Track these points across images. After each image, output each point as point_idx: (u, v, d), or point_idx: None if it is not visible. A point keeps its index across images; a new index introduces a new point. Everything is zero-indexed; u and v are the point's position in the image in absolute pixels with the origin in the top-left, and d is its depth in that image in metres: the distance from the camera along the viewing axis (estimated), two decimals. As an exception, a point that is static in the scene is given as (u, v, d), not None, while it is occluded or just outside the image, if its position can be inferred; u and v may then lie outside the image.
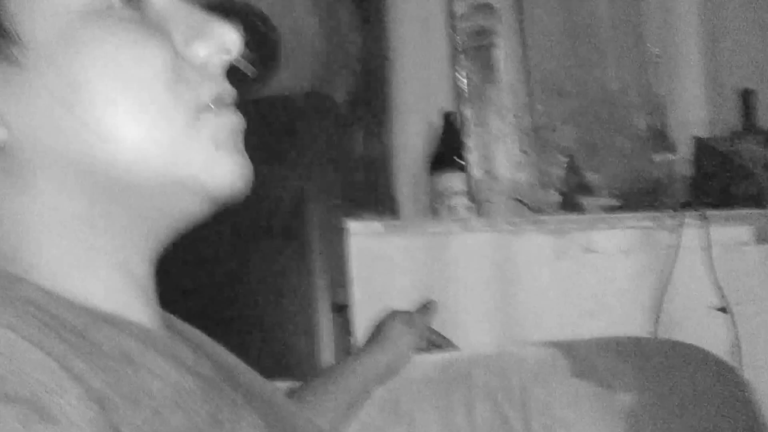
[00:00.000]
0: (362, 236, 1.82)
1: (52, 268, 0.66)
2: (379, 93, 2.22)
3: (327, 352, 1.52)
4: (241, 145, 0.71)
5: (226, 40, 0.71)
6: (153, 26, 0.69)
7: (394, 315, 1.40)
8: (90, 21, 0.66)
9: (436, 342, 1.47)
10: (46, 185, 0.67)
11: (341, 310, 1.57)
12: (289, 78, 2.05)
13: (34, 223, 0.67)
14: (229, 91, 0.72)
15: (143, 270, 0.72)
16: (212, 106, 0.70)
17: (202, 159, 0.69)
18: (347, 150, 2.02)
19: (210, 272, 1.56)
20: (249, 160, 0.71)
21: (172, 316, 0.80)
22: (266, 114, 1.93)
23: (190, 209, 0.71)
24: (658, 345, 1.59)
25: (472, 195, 2.02)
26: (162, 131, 0.68)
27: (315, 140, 1.77)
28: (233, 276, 1.58)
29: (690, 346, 1.48)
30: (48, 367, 0.54)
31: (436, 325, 1.47)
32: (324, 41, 2.14)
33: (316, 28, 2.14)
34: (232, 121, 0.71)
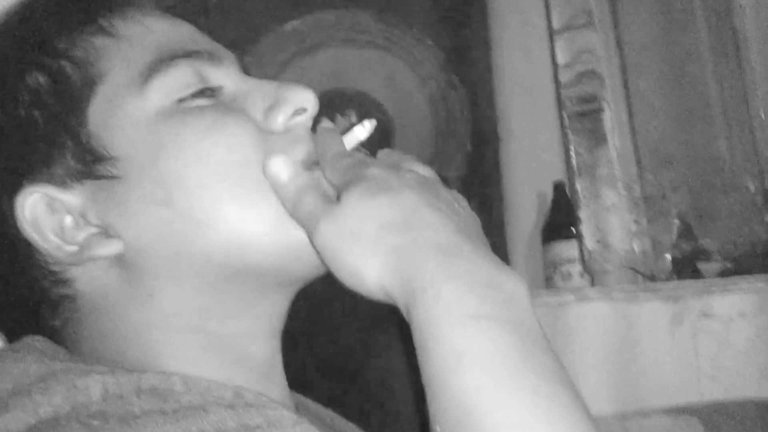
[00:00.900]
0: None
1: (181, 369, 0.64)
2: (491, 168, 2.27)
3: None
4: None
5: (299, 100, 0.71)
6: (228, 108, 0.70)
7: None
8: (166, 119, 0.68)
9: None
10: (165, 289, 0.68)
11: None
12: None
13: (158, 331, 0.68)
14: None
15: (268, 350, 0.73)
16: (307, 167, 0.69)
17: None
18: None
19: (338, 346, 1.63)
20: None
21: (302, 396, 0.81)
22: None
23: (305, 275, 0.70)
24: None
25: (585, 264, 2.06)
26: (264, 204, 0.67)
27: None
28: (366, 352, 1.64)
29: None
30: None
31: None
32: (435, 124, 2.22)
33: (427, 112, 2.23)
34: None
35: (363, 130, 0.74)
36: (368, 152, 0.74)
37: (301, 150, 0.70)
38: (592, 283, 2.03)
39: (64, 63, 0.69)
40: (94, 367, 0.61)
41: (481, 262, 0.60)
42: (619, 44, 2.28)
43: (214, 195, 0.67)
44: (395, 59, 2.26)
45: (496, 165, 2.27)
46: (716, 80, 2.18)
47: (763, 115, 2.11)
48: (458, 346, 0.56)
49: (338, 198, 0.65)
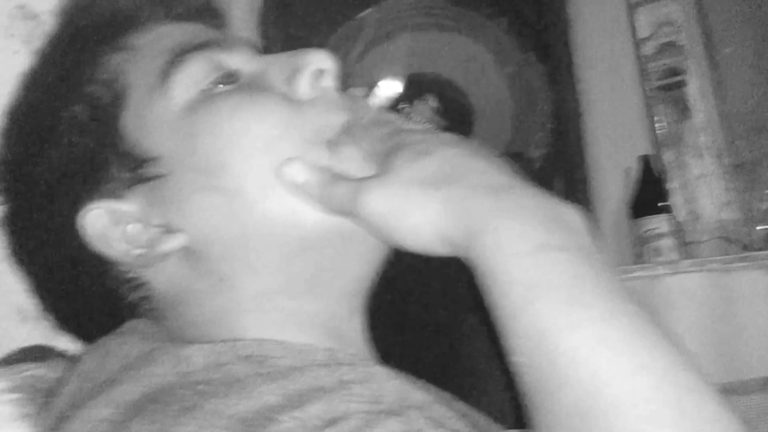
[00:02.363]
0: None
1: None
2: (574, 145, 2.25)
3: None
4: None
5: (314, 62, 0.70)
6: (251, 87, 0.71)
7: None
8: (194, 110, 0.69)
9: None
10: (237, 272, 0.69)
11: None
12: (484, 142, 2.13)
13: (240, 313, 0.69)
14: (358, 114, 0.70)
15: (352, 325, 0.73)
16: (344, 131, 0.69)
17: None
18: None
19: (435, 326, 1.63)
20: None
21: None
22: None
23: (372, 247, 0.69)
24: None
25: (677, 237, 2.02)
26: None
27: None
28: (459, 331, 1.65)
29: None
30: None
31: None
32: (515, 104, 2.21)
33: (506, 92, 2.21)
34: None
35: (386, 90, 0.75)
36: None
37: (336, 117, 0.69)
38: (685, 255, 1.99)
39: (95, 88, 0.72)
40: (193, 343, 0.62)
41: (534, 195, 0.60)
42: (702, 13, 2.23)
43: (257, 171, 0.67)
44: (472, 41, 2.25)
45: (579, 141, 2.25)
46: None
47: None
48: (531, 277, 0.55)
49: (379, 166, 0.65)
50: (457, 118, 2.10)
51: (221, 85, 0.71)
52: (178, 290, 0.71)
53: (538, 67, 2.25)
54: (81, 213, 0.71)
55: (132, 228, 0.70)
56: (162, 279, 0.72)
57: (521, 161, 2.11)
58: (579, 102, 2.26)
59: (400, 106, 2.10)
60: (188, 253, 0.70)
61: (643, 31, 2.29)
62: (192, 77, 0.70)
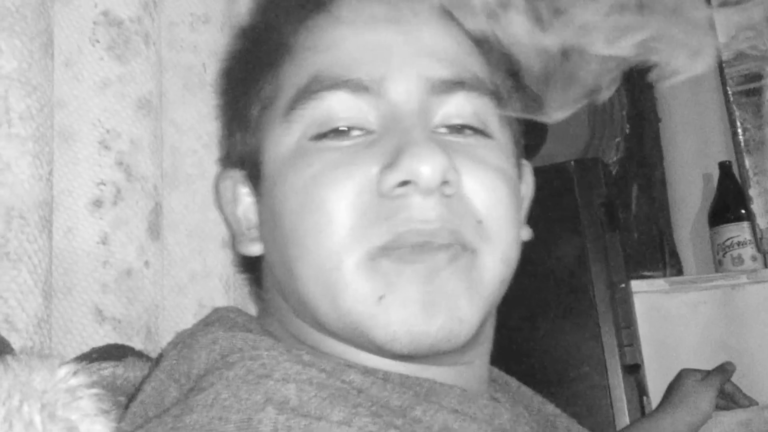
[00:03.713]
0: (647, 294, 1.83)
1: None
2: (651, 150, 2.22)
3: (621, 414, 1.53)
4: (430, 294, 0.63)
5: (414, 170, 0.63)
6: (347, 157, 0.66)
7: (689, 374, 1.40)
8: (296, 156, 0.68)
9: (735, 399, 1.44)
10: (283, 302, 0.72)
11: (633, 370, 1.58)
12: (560, 147, 2.11)
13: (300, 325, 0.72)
14: (424, 228, 0.64)
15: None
16: (390, 250, 0.64)
17: (362, 309, 0.64)
18: (624, 210, 2.03)
19: (502, 335, 1.63)
20: (440, 311, 0.63)
21: (501, 372, 0.83)
22: (540, 183, 1.99)
23: (374, 349, 0.66)
24: None
25: (758, 245, 1.97)
26: (328, 271, 0.64)
27: (590, 203, 1.80)
28: (525, 339, 1.64)
29: None
30: None
31: (734, 384, 1.45)
32: (590, 110, 2.18)
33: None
34: (416, 268, 0.63)
35: None
36: None
37: (392, 228, 0.64)
38: (766, 265, 1.94)
39: (269, 86, 0.74)
40: (268, 343, 0.64)
41: None
42: None
43: (296, 246, 0.66)
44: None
45: (657, 147, 2.21)
46: None
47: None
48: None
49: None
50: (531, 122, 2.09)
51: (331, 140, 0.68)
52: (271, 291, 0.74)
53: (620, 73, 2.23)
54: (221, 173, 0.79)
55: (241, 211, 0.76)
56: (266, 271, 0.76)
57: (598, 166, 2.09)
58: (657, 107, 2.23)
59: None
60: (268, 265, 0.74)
61: (723, 35, 2.24)
62: (311, 121, 0.68)
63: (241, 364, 0.59)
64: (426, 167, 0.62)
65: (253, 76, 0.74)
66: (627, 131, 2.21)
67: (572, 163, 1.85)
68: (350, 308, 0.64)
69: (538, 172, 1.94)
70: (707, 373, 1.40)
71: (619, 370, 1.54)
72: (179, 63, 0.92)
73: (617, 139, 2.23)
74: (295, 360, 0.59)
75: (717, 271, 1.98)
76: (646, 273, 1.91)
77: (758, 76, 2.18)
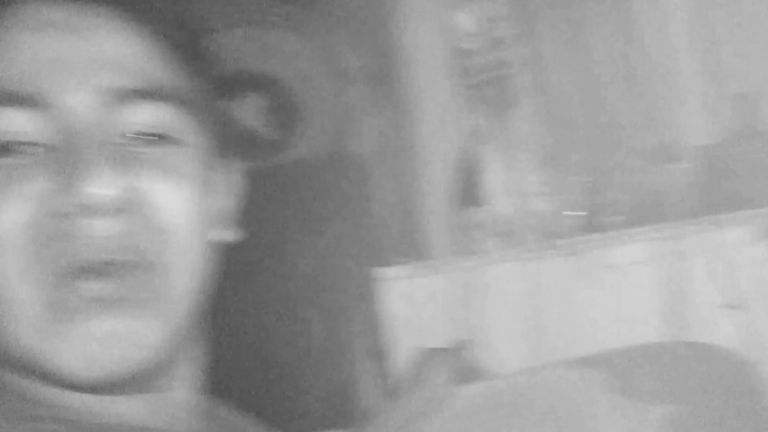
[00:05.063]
0: (394, 281, 1.93)
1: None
2: (401, 140, 2.31)
3: (366, 398, 1.60)
4: (108, 318, 0.61)
5: (86, 192, 0.61)
6: (28, 172, 0.62)
7: (428, 354, 1.48)
8: None
9: (473, 374, 1.54)
10: None
11: (377, 355, 1.66)
12: (312, 139, 2.16)
13: None
14: (103, 247, 0.62)
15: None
16: (68, 273, 0.61)
17: (37, 338, 0.61)
18: (374, 199, 2.11)
19: (249, 326, 1.65)
20: (119, 336, 0.61)
21: (217, 403, 0.79)
22: (293, 176, 2.02)
23: (55, 381, 0.63)
24: (682, 349, 1.66)
25: (497, 228, 2.13)
26: (3, 299, 0.62)
27: (341, 195, 1.86)
28: (271, 330, 1.67)
29: (711, 347, 1.54)
30: None
31: (474, 356, 1.55)
32: (342, 102, 2.25)
33: (334, 90, 2.25)
34: (93, 289, 0.61)
35: None
36: None
37: (56, 256, 0.61)
38: (504, 245, 2.10)
39: None
40: None
41: None
42: (526, 11, 2.31)
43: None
44: (299, 38, 2.27)
45: (406, 136, 2.30)
46: (610, 46, 2.24)
47: (654, 67, 2.19)
48: None
49: None
50: (284, 116, 2.12)
51: (3, 157, 0.63)
52: None
53: (365, 66, 2.30)
54: None
55: None
56: None
57: (349, 159, 2.16)
58: (406, 97, 2.32)
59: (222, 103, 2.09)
60: None
61: (465, 26, 2.36)
62: None
63: None
64: (98, 189, 0.60)
65: None
66: (378, 123, 2.30)
67: (318, 156, 1.89)
68: (26, 337, 0.61)
69: (288, 166, 1.98)
70: (445, 350, 1.49)
71: (365, 357, 1.61)
72: None
73: (368, 132, 2.31)
74: None
75: (461, 254, 2.11)
76: (394, 259, 2.01)
77: (499, 65, 2.32)
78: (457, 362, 1.48)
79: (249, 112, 2.03)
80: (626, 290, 1.94)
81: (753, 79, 2.12)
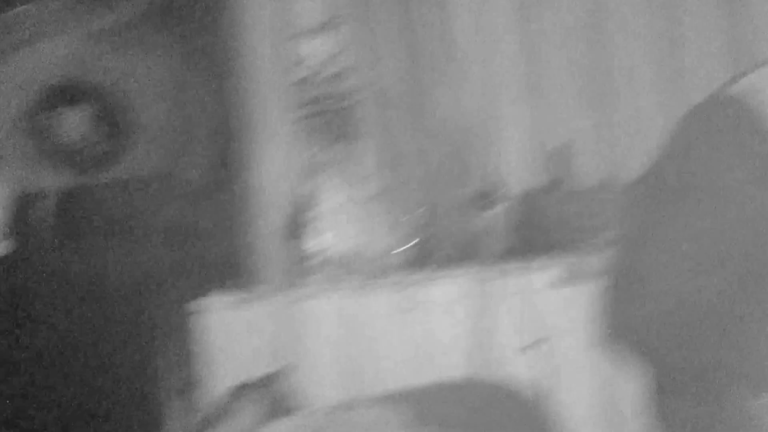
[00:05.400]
0: (214, 311, 1.92)
1: None
2: (235, 166, 2.29)
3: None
4: None
5: None
6: None
7: (238, 389, 1.49)
8: None
9: (285, 408, 1.55)
10: None
11: (188, 390, 1.64)
12: (142, 159, 2.12)
13: None
14: None
15: None
16: None
17: None
18: (201, 225, 2.09)
19: (54, 356, 1.59)
20: None
21: None
22: (117, 196, 1.96)
23: None
24: (479, 386, 1.73)
25: (320, 261, 2.16)
26: None
27: (166, 218, 1.83)
28: (78, 361, 1.63)
29: (504, 385, 1.60)
30: None
31: (288, 390, 1.56)
32: (176, 121, 2.22)
33: (168, 108, 2.22)
34: None
35: None
36: None
37: None
38: (328, 279, 2.14)
39: None
40: None
41: None
42: (371, 44, 2.33)
43: None
44: (134, 51, 2.22)
45: (240, 163, 2.29)
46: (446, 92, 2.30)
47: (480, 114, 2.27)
48: None
49: None
50: (115, 131, 2.06)
51: None
52: None
53: (201, 87, 2.28)
54: None
55: None
56: None
57: (178, 182, 2.13)
58: (242, 124, 2.30)
59: (44, 114, 2.02)
60: None
61: (306, 56, 2.38)
62: None
63: None
64: None
65: None
66: (213, 147, 2.28)
67: (155, 176, 1.86)
68: None
69: (114, 184, 1.92)
70: (257, 385, 1.50)
71: (174, 391, 1.59)
72: None
73: (202, 155, 2.29)
74: None
75: (286, 286, 2.12)
76: (216, 289, 2.00)
77: (337, 97, 2.36)
78: (269, 397, 1.49)
79: (75, 124, 1.98)
80: (439, 327, 2.01)
81: (570, 131, 2.24)
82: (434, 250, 2.17)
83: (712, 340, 0.69)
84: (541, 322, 1.99)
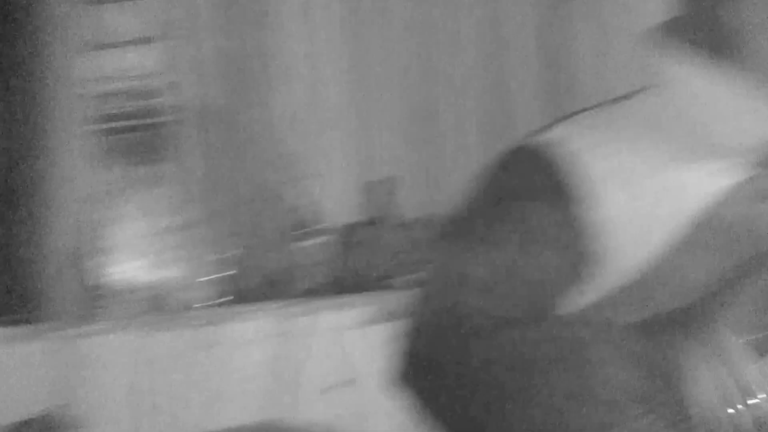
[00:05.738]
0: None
1: None
2: (29, 184, 2.15)
3: None
4: None
5: None
6: None
7: (17, 426, 1.38)
8: None
9: None
10: None
11: None
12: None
13: None
14: None
15: None
16: None
17: None
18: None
19: None
20: None
21: None
22: None
23: None
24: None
25: (115, 294, 2.04)
26: None
27: None
28: None
29: (298, 430, 1.57)
30: None
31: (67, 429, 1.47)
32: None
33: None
34: None
35: None
36: None
37: None
38: (120, 313, 2.01)
39: None
40: None
41: None
42: (188, 62, 2.23)
43: None
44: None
45: (33, 180, 2.15)
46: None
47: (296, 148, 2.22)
48: None
49: None
50: None
51: None
52: None
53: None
54: None
55: None
56: None
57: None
58: (37, 141, 2.17)
59: None
60: None
61: (115, 72, 2.28)
62: None
63: None
64: None
65: None
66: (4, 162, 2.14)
67: None
68: None
69: None
70: (27, 423, 1.39)
71: None
72: None
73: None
74: None
75: (75, 320, 1.98)
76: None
77: (149, 113, 2.24)
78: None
79: None
80: (241, 366, 1.92)
81: (394, 165, 2.22)
82: (242, 284, 2.09)
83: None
84: (348, 363, 1.94)
